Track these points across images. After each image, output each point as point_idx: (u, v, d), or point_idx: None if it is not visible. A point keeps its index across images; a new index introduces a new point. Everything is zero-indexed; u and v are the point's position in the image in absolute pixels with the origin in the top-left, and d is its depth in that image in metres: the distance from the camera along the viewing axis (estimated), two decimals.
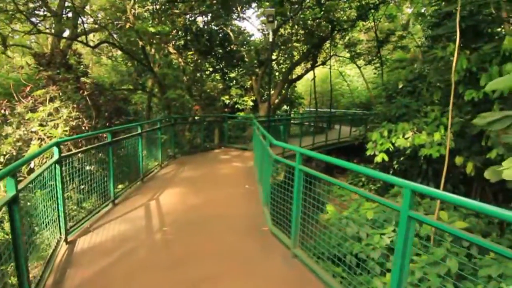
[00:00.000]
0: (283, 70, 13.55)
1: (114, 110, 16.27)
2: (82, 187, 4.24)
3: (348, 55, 16.77)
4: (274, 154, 3.99)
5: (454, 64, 5.58)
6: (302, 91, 26.09)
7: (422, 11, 15.94)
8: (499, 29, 9.06)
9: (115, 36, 12.69)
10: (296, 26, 12.41)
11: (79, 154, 4.25)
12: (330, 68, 18.57)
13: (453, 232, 1.66)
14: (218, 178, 6.61)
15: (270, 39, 7.49)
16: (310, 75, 17.96)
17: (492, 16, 8.38)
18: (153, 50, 13.21)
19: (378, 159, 8.75)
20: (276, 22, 7.65)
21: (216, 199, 5.16)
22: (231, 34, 12.46)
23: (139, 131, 5.94)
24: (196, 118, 11.09)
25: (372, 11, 13.89)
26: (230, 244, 3.60)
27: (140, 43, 9.15)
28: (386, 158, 8.73)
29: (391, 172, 11.84)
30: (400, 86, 9.93)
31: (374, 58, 16.08)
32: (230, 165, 7.89)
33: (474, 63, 7.49)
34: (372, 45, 15.57)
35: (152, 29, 9.15)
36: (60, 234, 3.49)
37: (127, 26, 9.58)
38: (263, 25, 13.72)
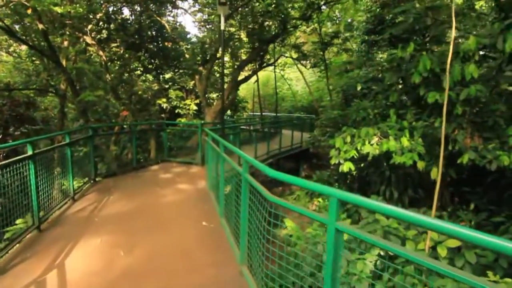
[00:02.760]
0: (230, 69, 12.07)
1: (12, 117, 12.80)
2: None
3: (294, 56, 16.10)
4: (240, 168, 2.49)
5: (449, 60, 4.85)
6: (244, 94, 24.98)
7: (349, 21, 16.39)
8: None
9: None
10: (241, 23, 11.08)
11: None
12: (274, 70, 17.74)
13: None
14: (160, 212, 4.73)
15: (222, 27, 5.94)
16: (252, 78, 16.85)
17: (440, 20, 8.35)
18: (66, 42, 10.45)
19: (344, 168, 7.82)
20: (227, 6, 6.14)
21: (161, 255, 3.37)
22: (166, 26, 10.46)
23: (30, 152, 3.78)
24: (125, 126, 8.86)
25: (316, 12, 13.41)
26: None
27: (40, 26, 6.65)
28: (353, 168, 7.87)
29: (348, 179, 11.26)
30: (358, 88, 9.31)
31: (319, 61, 15.72)
32: (174, 188, 6.03)
33: (437, 64, 7.06)
34: (318, 47, 15.14)
35: (57, 9, 6.76)
36: None
37: (29, 12, 7.00)
38: (206, 21, 12.08)
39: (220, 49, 9.37)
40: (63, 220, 4.35)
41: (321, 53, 15.20)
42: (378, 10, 11.72)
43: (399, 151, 7.20)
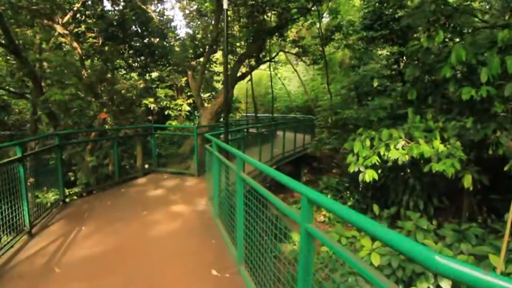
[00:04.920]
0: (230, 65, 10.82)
1: None
2: None
3: (293, 51, 15.01)
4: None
5: None
6: (236, 94, 23.68)
7: (339, 19, 15.46)
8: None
9: None
10: (239, 11, 9.86)
11: None
12: (270, 67, 16.57)
13: None
14: (149, 253, 3.40)
15: (225, 5, 4.69)
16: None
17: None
18: (37, 36, 8.96)
19: (366, 177, 6.67)
20: None
21: None
22: (153, 16, 9.09)
23: None
24: (108, 132, 7.47)
25: (316, 4, 12.36)
26: None
27: None
28: (376, 176, 6.71)
29: (361, 186, 10.18)
30: (375, 85, 8.22)
31: (318, 57, 14.66)
32: (167, 211, 4.71)
33: (472, 55, 6.00)
34: (318, 43, 14.08)
35: None
36: None
37: None
38: (199, 11, 10.79)
39: (218, 39, 8.11)
40: (7, 273, 2.98)
41: (321, 49, 14.17)
42: (377, 4, 10.81)
43: (435, 157, 6.09)
